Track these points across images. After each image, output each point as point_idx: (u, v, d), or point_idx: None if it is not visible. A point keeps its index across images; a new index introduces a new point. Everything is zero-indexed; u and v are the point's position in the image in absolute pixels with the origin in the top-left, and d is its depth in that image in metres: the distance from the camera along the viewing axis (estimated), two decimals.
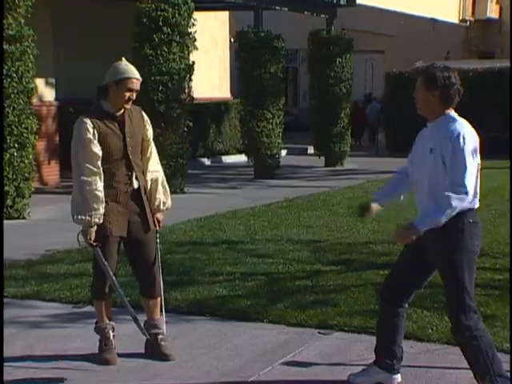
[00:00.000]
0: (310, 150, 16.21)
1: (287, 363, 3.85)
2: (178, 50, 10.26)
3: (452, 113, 3.24)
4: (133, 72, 3.66)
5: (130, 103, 3.68)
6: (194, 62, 10.47)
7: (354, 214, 3.74)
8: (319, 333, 4.29)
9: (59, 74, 11.63)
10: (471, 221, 3.18)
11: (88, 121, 3.63)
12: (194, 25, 10.47)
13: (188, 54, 10.44)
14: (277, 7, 13.88)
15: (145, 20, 10.11)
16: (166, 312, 4.55)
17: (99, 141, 3.62)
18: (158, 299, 3.91)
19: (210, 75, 17.07)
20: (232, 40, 17.14)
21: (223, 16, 17.77)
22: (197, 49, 10.62)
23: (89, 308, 4.87)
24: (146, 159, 3.83)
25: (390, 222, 7.91)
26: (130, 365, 3.83)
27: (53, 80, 11.42)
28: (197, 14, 10.78)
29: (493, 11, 38.81)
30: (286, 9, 14.22)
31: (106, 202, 3.65)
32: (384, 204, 3.53)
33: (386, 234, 7.18)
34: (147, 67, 10.07)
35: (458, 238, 3.16)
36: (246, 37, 12.56)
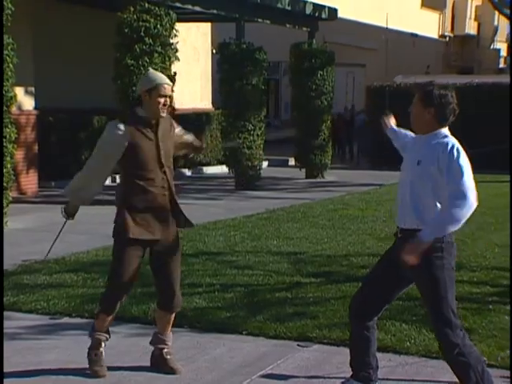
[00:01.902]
0: (291, 161, 16.26)
1: (266, 376, 3.84)
2: (160, 60, 10.25)
3: (444, 130, 3.27)
4: (162, 78, 3.71)
5: (166, 109, 3.67)
6: (175, 73, 10.47)
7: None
8: (298, 345, 4.28)
9: (39, 83, 11.56)
10: (449, 240, 3.23)
11: (121, 126, 3.67)
12: (175, 35, 10.48)
13: (170, 65, 10.44)
14: (259, 19, 13.96)
15: (126, 30, 10.10)
16: (144, 324, 4.54)
17: (132, 146, 3.64)
18: (173, 314, 3.88)
19: (192, 86, 17.09)
20: (214, 51, 17.19)
21: (205, 27, 17.82)
22: (178, 59, 10.63)
23: (66, 319, 4.83)
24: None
25: (371, 235, 7.95)
26: (112, 380, 3.78)
27: (32, 89, 11.35)
28: (179, 25, 10.80)
29: (471, 28, 39.44)
30: (268, 21, 14.30)
31: (140, 208, 3.65)
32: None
33: (366, 247, 7.21)
34: (128, 77, 10.05)
35: (438, 256, 3.19)
36: (228, 48, 12.60)
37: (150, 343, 3.91)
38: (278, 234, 7.90)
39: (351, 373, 3.55)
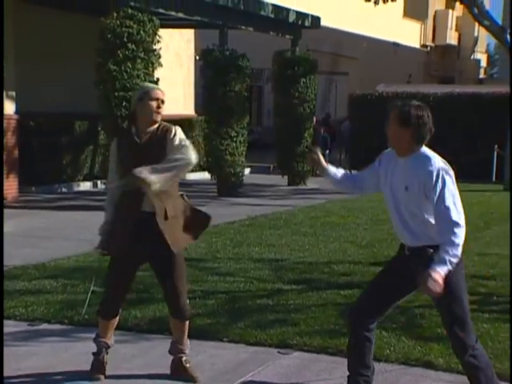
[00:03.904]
0: (273, 168, 16.28)
1: (246, 383, 3.83)
2: (143, 66, 10.23)
3: (423, 149, 3.29)
4: (154, 86, 3.79)
5: (161, 112, 3.65)
6: (158, 79, 10.45)
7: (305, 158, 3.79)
8: (279, 352, 4.28)
9: (20, 88, 11.47)
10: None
11: (113, 145, 3.79)
12: (158, 41, 10.47)
13: (153, 71, 10.42)
14: (242, 27, 14.00)
15: (109, 36, 10.06)
16: (125, 330, 4.50)
17: (121, 161, 3.72)
18: (187, 322, 3.87)
19: (175, 92, 17.05)
20: (197, 58, 17.19)
21: (189, 33, 17.82)
22: (161, 66, 10.61)
23: (45, 326, 4.78)
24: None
25: (352, 243, 7.99)
26: None
27: (13, 93, 11.26)
28: (162, 31, 10.79)
29: (452, 38, 39.88)
30: (252, 29, 14.35)
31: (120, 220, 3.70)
32: (326, 175, 3.55)
33: (348, 255, 7.24)
34: (111, 83, 10.02)
35: (457, 266, 3.23)
36: (211, 55, 12.61)
37: (169, 352, 3.91)
38: (259, 241, 7.91)
39: (333, 380, 3.55)
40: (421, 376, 3.94)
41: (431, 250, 3.24)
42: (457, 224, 3.15)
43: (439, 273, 3.10)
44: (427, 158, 3.27)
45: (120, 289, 3.77)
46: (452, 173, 3.26)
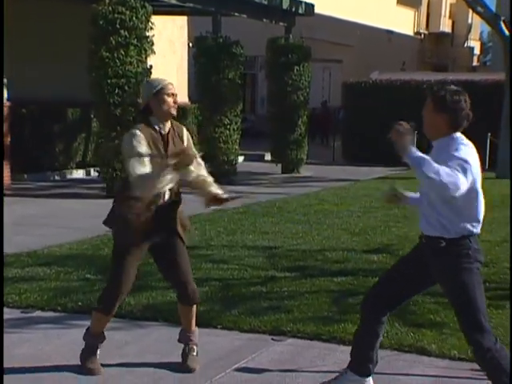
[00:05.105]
0: (267, 156, 16.27)
1: (240, 369, 3.84)
2: (136, 53, 10.16)
3: (457, 134, 3.20)
4: (164, 80, 3.75)
5: (176, 107, 3.68)
6: (151, 66, 10.40)
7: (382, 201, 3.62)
8: (272, 339, 4.29)
9: (12, 75, 11.38)
10: (476, 247, 3.21)
11: (138, 132, 3.58)
12: (151, 28, 10.40)
13: (146, 58, 10.35)
14: (236, 14, 13.92)
15: (101, 22, 9.98)
16: (119, 317, 4.50)
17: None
18: (195, 308, 3.88)
19: (168, 80, 16.96)
20: (190, 45, 17.11)
21: (181, 20, 17.73)
22: (154, 53, 10.55)
23: (38, 313, 4.77)
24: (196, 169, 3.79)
25: (346, 230, 8.00)
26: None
27: (5, 80, 11.17)
28: (155, 18, 10.72)
29: (446, 25, 39.85)
30: (245, 16, 14.27)
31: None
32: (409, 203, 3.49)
33: (341, 242, 7.26)
34: (103, 69, 9.95)
35: (465, 261, 3.18)
36: (205, 42, 12.54)
37: (179, 341, 3.91)
38: (253, 229, 7.91)
39: (326, 367, 3.54)
40: (414, 362, 3.97)
41: (443, 243, 3.18)
42: (456, 178, 2.92)
43: (408, 148, 2.95)
44: (457, 138, 3.15)
45: (128, 284, 3.70)
46: (472, 165, 3.07)
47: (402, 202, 3.53)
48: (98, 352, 3.80)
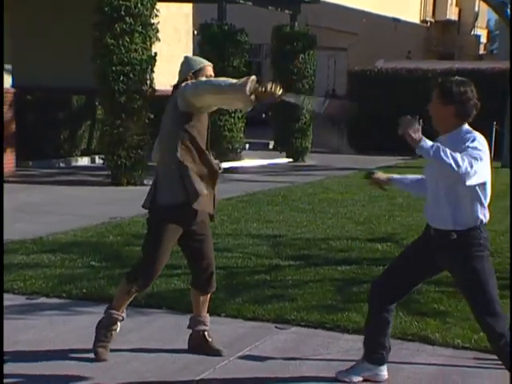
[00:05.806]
0: (272, 144, 16.24)
1: (244, 357, 3.86)
2: (141, 40, 10.14)
3: (466, 126, 3.20)
4: (205, 60, 3.76)
5: None
6: (156, 54, 10.37)
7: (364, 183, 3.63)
8: (276, 327, 4.30)
9: (17, 61, 11.36)
10: (486, 236, 3.24)
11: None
12: (156, 16, 10.36)
13: (150, 45, 10.32)
14: (241, 1, 13.84)
15: (106, 9, 9.95)
16: None
17: (196, 127, 3.65)
18: (209, 295, 3.89)
19: (173, 67, 16.84)
20: (195, 32, 17.03)
21: (187, 8, 17.64)
22: (159, 40, 10.51)
23: (43, 299, 4.80)
24: None
25: (350, 219, 8.00)
26: (88, 359, 3.76)
27: (10, 67, 11.16)
28: (160, 5, 10.68)
29: (452, 13, 39.55)
30: (250, 3, 14.19)
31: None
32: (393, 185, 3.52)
33: (345, 231, 7.25)
34: (108, 57, 9.93)
35: (477, 250, 3.20)
36: (210, 29, 12.50)
37: (189, 327, 3.90)
38: (257, 217, 7.91)
39: (330, 355, 3.55)
40: (417, 350, 3.97)
41: (455, 236, 3.19)
42: (473, 167, 2.96)
43: (419, 138, 2.97)
44: (468, 132, 3.16)
45: (163, 263, 3.66)
46: (487, 155, 3.11)
47: (385, 184, 3.54)
48: (114, 335, 3.71)
